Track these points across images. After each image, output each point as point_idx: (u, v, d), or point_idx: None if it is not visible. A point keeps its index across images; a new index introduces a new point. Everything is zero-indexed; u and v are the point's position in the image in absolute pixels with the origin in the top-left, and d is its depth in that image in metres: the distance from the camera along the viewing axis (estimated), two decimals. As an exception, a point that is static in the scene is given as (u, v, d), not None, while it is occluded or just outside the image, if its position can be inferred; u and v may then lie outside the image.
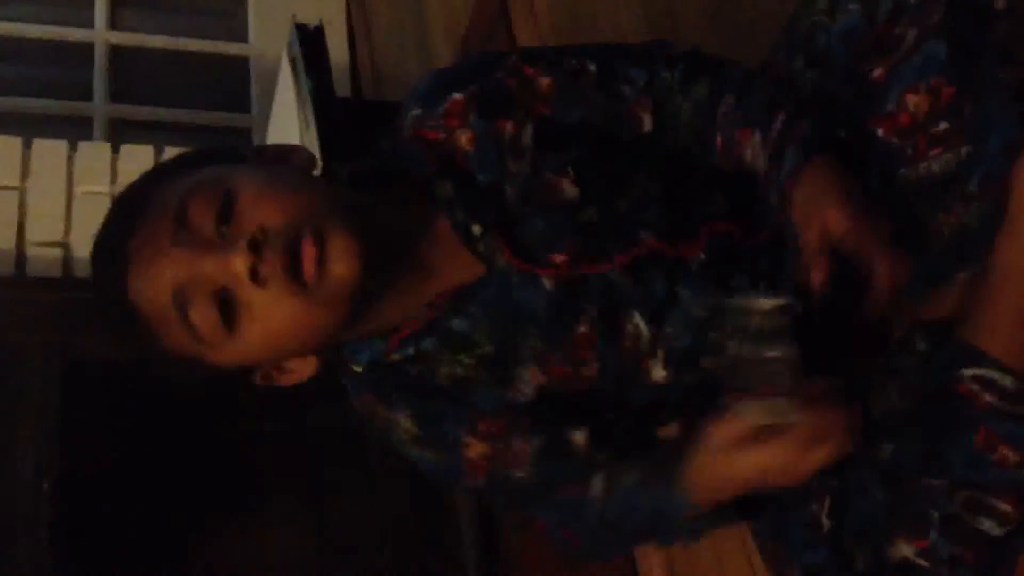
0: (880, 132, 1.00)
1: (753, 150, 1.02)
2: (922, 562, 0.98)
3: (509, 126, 1.03)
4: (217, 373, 0.98)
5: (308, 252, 0.89)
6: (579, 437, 1.03)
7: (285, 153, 1.03)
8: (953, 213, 1.00)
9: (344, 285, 0.91)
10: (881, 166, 1.01)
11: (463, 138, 1.03)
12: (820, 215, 0.92)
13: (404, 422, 1.04)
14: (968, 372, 0.97)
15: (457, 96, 1.03)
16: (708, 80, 1.05)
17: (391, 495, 2.42)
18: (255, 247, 0.89)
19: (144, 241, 0.92)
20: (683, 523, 1.00)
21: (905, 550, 0.99)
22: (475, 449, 1.03)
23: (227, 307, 0.91)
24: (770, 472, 0.89)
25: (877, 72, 1.00)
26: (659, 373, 1.03)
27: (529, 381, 1.03)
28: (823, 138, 0.98)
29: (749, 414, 0.87)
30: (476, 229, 1.00)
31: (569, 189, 1.02)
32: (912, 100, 0.98)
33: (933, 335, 1.04)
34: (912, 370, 1.03)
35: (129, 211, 0.95)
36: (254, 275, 0.89)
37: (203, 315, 0.91)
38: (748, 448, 0.88)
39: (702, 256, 1.02)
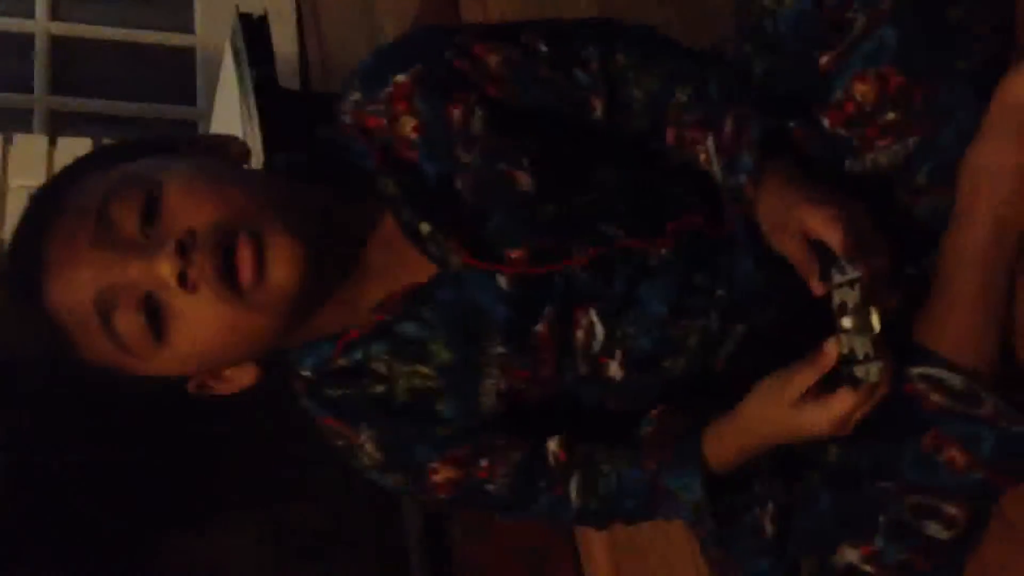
0: (826, 122, 0.96)
1: (707, 154, 0.97)
2: (868, 568, 0.96)
3: (458, 112, 0.96)
4: (143, 384, 0.92)
5: (244, 255, 0.83)
6: (553, 445, 0.99)
7: (217, 144, 0.96)
8: (901, 206, 0.97)
9: (285, 291, 0.85)
10: (827, 158, 0.98)
11: (408, 125, 0.96)
12: (795, 222, 0.87)
13: (368, 446, 0.99)
14: (915, 371, 0.95)
15: (401, 78, 0.96)
16: (661, 69, 1.01)
17: (351, 501, 2.39)
18: (183, 250, 0.83)
19: (62, 242, 0.85)
20: (682, 497, 0.98)
21: (850, 556, 0.97)
22: (443, 474, 0.99)
23: (154, 314, 0.85)
24: (831, 421, 0.88)
25: (825, 59, 0.96)
26: (615, 372, 0.99)
27: (491, 388, 0.98)
28: (775, 138, 0.93)
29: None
30: (424, 228, 0.94)
31: (525, 181, 0.96)
32: (859, 89, 0.94)
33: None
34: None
35: (46, 209, 0.88)
36: (182, 280, 0.83)
37: (128, 323, 0.85)
38: (818, 397, 0.88)
39: (664, 252, 0.97)
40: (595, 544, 1.79)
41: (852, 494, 0.97)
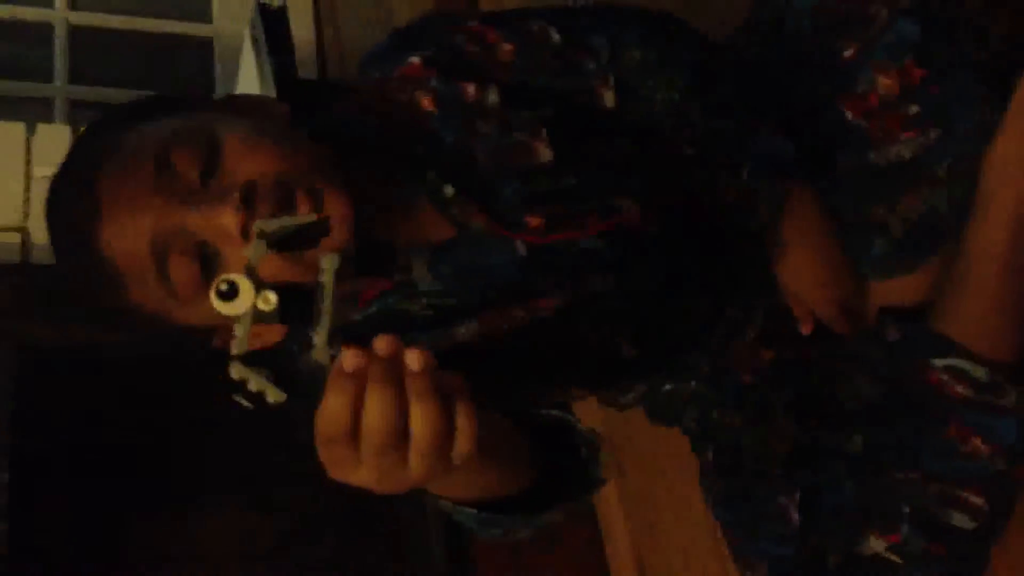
0: (849, 114, 0.97)
1: (723, 181, 1.00)
2: (893, 557, 0.96)
3: (472, 88, 0.97)
4: (177, 332, 0.91)
5: (303, 212, 0.84)
6: None
7: (260, 104, 0.97)
8: (921, 197, 0.98)
9: (337, 249, 0.84)
10: (849, 149, 0.98)
11: (424, 100, 0.97)
12: (810, 295, 1.01)
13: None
14: (939, 362, 0.95)
15: (414, 60, 0.97)
16: (679, 77, 1.00)
17: (343, 485, 2.37)
18: (247, 201, 0.83)
19: (121, 186, 0.85)
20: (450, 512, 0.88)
21: (876, 545, 0.97)
22: None
23: (207, 262, 0.85)
24: None
25: (848, 51, 0.97)
26: (629, 351, 1.00)
27: (466, 332, 0.97)
28: (790, 171, 0.97)
29: None
30: (448, 190, 0.95)
31: (543, 152, 0.96)
32: (883, 81, 0.95)
33: (902, 322, 1.02)
34: (882, 359, 1.00)
35: (99, 153, 0.88)
36: (244, 232, 0.83)
37: (182, 269, 0.85)
38: None
39: (675, 228, 0.98)
40: (616, 526, 1.80)
41: (876, 483, 0.97)
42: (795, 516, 1.01)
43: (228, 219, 0.83)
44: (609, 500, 1.79)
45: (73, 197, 0.89)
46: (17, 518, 2.13)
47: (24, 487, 2.16)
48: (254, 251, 0.72)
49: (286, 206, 0.84)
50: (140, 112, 0.92)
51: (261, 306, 0.70)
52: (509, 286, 0.96)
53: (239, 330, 0.71)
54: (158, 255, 0.85)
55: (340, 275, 0.70)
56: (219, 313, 0.87)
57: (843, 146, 0.98)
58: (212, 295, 0.69)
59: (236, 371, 0.71)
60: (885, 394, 0.99)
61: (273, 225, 0.75)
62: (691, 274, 1.01)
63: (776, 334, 1.08)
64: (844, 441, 1.01)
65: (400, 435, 0.63)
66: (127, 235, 0.85)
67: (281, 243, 0.75)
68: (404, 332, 0.94)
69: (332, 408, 0.64)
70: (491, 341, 0.97)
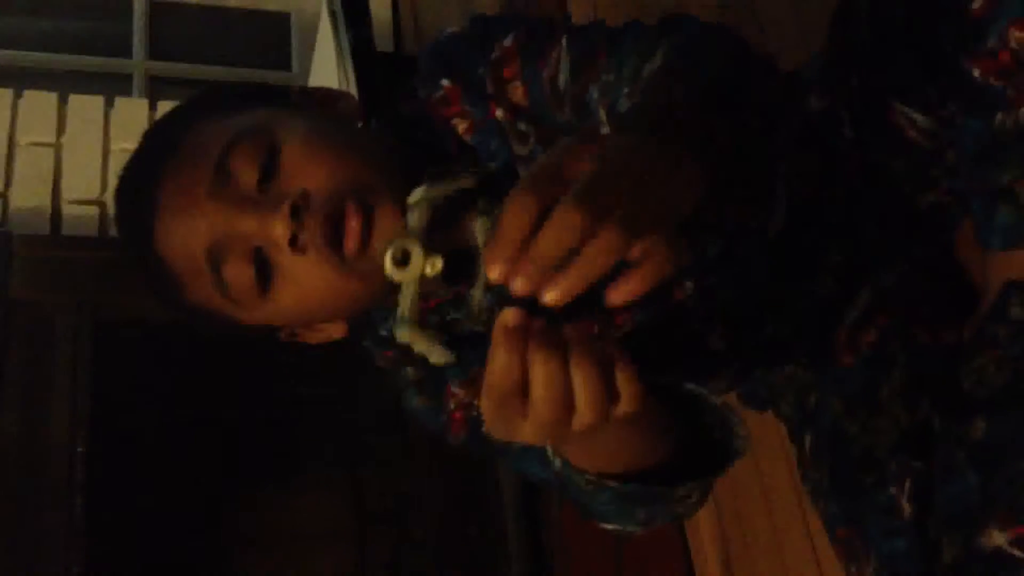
0: (976, 73, 0.89)
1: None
2: (1017, 552, 0.90)
3: (500, 112, 0.96)
4: (240, 330, 0.93)
5: (352, 226, 0.84)
6: None
7: (332, 99, 0.97)
8: None
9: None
10: (974, 111, 0.91)
11: (461, 126, 0.97)
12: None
13: (411, 368, 1.01)
14: None
15: (446, 83, 0.98)
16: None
17: (428, 463, 2.39)
18: (296, 212, 0.84)
19: (179, 189, 0.86)
20: (588, 497, 0.85)
21: (998, 539, 0.90)
22: (460, 396, 0.99)
23: (262, 268, 0.86)
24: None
25: (978, 3, 0.89)
26: (717, 344, 0.96)
27: None
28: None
29: None
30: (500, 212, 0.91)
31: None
32: (1016, 35, 0.87)
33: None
34: (1008, 338, 0.93)
35: (159, 152, 0.89)
36: (293, 242, 0.84)
37: (238, 274, 0.87)
38: None
39: (747, 225, 0.93)
40: (700, 514, 1.75)
41: (1001, 473, 0.90)
42: (907, 507, 0.95)
43: (278, 229, 0.84)
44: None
45: (135, 194, 0.90)
46: (95, 492, 2.16)
47: (103, 461, 2.18)
48: (417, 219, 0.75)
49: (336, 218, 0.84)
50: (208, 106, 0.93)
51: (428, 271, 0.75)
52: (579, 300, 0.92)
53: (406, 293, 0.75)
54: (213, 260, 0.86)
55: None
56: (275, 316, 0.88)
57: (968, 108, 0.90)
58: (387, 261, 0.75)
59: (403, 334, 0.75)
60: (1010, 377, 0.92)
61: (435, 192, 0.76)
62: (778, 265, 0.96)
63: (881, 315, 1.02)
64: (963, 427, 0.94)
65: (567, 400, 0.66)
66: (183, 238, 0.87)
67: (440, 209, 0.77)
68: (463, 348, 0.92)
69: (502, 364, 0.66)
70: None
